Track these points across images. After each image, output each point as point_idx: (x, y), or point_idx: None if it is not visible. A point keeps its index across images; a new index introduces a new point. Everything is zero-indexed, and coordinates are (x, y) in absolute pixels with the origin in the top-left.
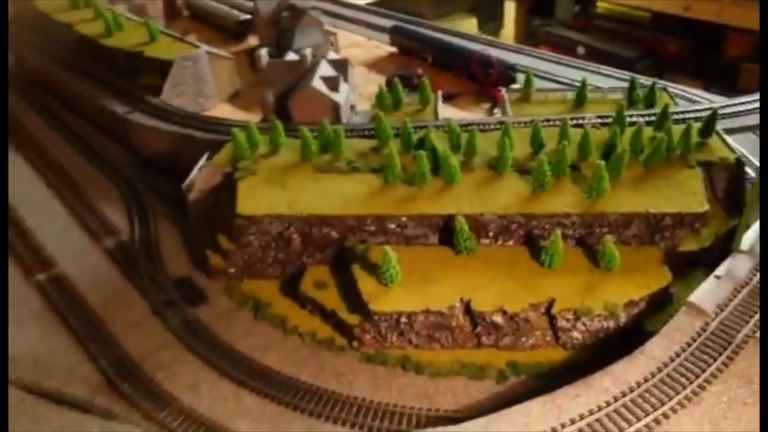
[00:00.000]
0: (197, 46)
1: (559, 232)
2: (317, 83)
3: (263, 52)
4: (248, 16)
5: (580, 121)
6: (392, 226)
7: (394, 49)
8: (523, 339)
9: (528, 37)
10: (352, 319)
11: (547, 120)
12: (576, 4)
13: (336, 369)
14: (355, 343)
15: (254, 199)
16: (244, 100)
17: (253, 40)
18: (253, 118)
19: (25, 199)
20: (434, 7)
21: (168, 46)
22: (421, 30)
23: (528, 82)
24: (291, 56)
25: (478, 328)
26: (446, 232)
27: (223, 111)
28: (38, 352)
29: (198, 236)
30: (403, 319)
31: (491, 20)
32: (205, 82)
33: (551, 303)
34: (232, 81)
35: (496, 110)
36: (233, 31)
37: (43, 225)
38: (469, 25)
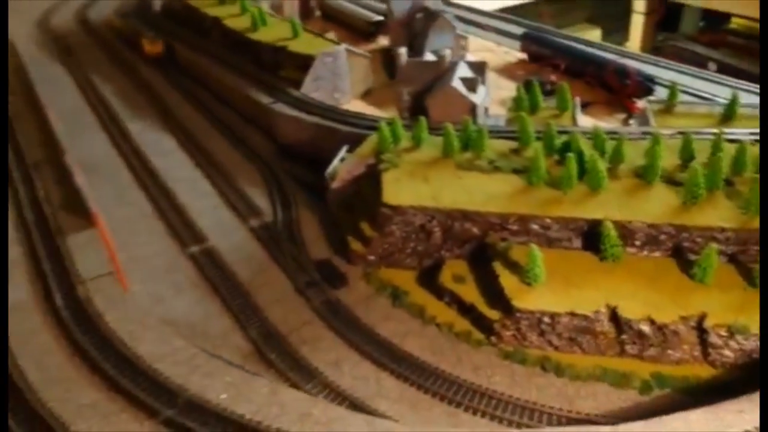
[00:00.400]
0: (337, 43)
1: (714, 246)
2: (456, 83)
3: (402, 50)
4: (380, 18)
5: (731, 136)
6: (535, 226)
7: (523, 55)
8: (669, 352)
9: (653, 50)
10: (492, 314)
11: (695, 133)
12: (701, 19)
13: (473, 362)
14: (493, 339)
15: (399, 190)
16: (375, 97)
17: (383, 41)
18: (385, 114)
19: (177, 178)
20: (554, 17)
21: (309, 42)
22: (554, 38)
23: (673, 95)
24: (429, 56)
25: (623, 336)
26: (590, 237)
27: (356, 107)
28: (194, 316)
29: (338, 222)
30: (546, 320)
31: (614, 32)
32: (341, 77)
33: (702, 317)
34: (366, 79)
35: (631, 121)
36: (364, 32)
37: (194, 202)
38: (593, 36)
